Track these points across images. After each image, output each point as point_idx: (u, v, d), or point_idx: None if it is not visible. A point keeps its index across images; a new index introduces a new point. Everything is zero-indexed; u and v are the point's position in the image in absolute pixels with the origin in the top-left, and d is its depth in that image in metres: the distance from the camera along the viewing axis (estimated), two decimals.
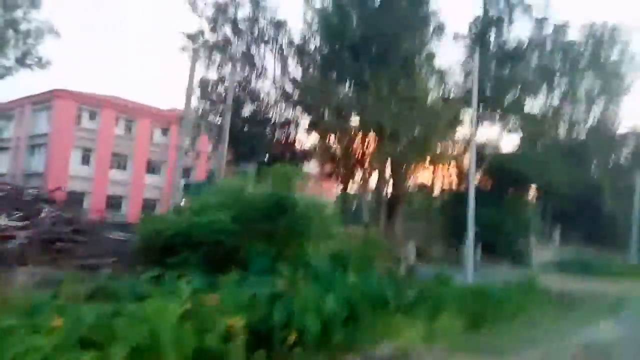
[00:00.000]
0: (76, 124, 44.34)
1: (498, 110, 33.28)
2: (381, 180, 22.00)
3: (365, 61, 20.38)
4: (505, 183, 33.07)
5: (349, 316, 8.45)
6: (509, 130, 35.31)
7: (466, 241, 19.19)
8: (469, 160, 32.48)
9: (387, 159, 21.87)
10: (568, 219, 42.38)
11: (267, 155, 24.01)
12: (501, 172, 33.10)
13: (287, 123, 24.31)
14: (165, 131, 48.25)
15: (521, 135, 37.23)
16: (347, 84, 20.99)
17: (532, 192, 35.62)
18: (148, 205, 45.57)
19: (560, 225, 40.71)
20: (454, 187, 34.29)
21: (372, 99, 19.57)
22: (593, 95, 42.92)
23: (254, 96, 24.20)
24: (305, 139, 25.85)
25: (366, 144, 23.37)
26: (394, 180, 23.13)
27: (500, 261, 29.86)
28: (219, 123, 23.61)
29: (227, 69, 23.22)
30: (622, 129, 47.23)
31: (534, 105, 39.86)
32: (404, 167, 22.59)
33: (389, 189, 23.25)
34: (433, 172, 35.09)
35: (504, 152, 33.42)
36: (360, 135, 23.07)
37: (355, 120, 22.72)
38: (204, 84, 22.46)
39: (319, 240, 13.86)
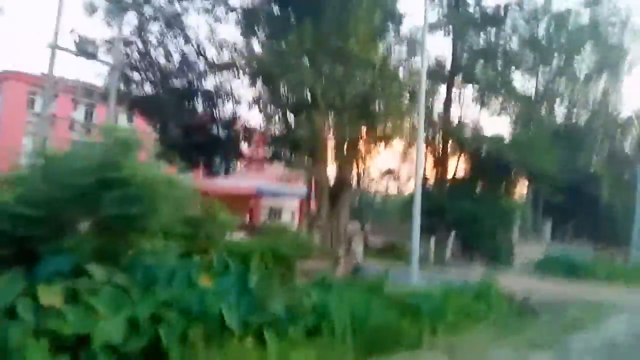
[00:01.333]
0: None
1: (476, 85, 29.08)
2: (320, 161, 17.94)
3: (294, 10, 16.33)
4: (487, 171, 28.83)
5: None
6: (493, 111, 31.05)
7: (412, 234, 15.16)
8: (446, 142, 28.71)
9: (325, 136, 17.77)
10: (563, 213, 38.19)
11: (201, 133, 20.01)
12: (483, 159, 28.96)
13: (216, 95, 20.18)
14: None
15: (506, 116, 32.97)
16: (276, 42, 16.82)
17: (522, 182, 31.19)
18: None
19: (552, 219, 36.50)
20: (430, 174, 30.17)
21: (299, 57, 15.53)
22: (592, 72, 38.45)
23: (181, 63, 20.05)
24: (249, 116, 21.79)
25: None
26: (339, 162, 19.10)
27: (479, 259, 25.86)
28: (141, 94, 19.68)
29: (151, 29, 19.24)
30: (624, 112, 42.75)
31: (523, 82, 35.81)
32: (349, 145, 18.49)
33: (334, 174, 19.11)
34: (403, 157, 31.10)
35: (485, 135, 29.12)
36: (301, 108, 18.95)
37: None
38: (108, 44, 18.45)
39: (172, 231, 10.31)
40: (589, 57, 37.95)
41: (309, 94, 16.98)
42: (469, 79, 28.69)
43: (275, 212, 58.78)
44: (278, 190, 46.71)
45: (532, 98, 34.33)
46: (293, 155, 19.23)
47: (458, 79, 28.73)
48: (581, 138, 38.34)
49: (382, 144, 19.04)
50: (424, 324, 9.83)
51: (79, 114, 43.47)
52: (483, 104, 31.62)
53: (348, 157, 19.05)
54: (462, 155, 28.97)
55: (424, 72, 15.13)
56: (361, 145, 18.97)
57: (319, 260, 18.72)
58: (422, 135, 15.17)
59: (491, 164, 28.39)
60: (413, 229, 15.14)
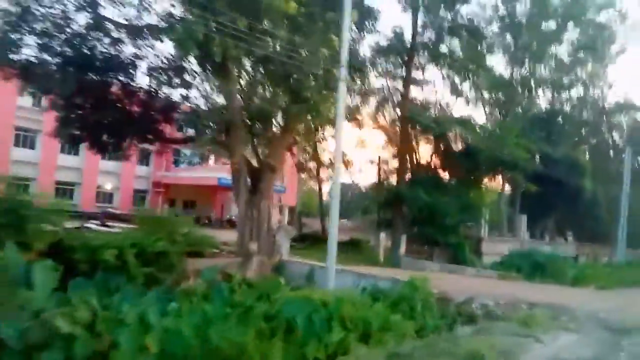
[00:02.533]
0: None
1: (444, 65, 26.32)
2: (234, 139, 15.19)
3: None
4: (453, 160, 26.08)
5: None
6: (464, 95, 28.36)
7: (330, 231, 12.49)
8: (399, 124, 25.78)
9: (236, 107, 14.98)
10: (544, 207, 35.52)
11: (111, 110, 17.10)
12: (449, 146, 26.21)
13: (129, 65, 17.22)
14: None
15: (479, 101, 30.23)
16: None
17: (494, 173, 28.33)
18: None
19: (530, 214, 33.80)
20: (391, 162, 27.46)
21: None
22: (576, 56, 35.70)
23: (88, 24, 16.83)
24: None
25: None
26: (260, 142, 16.42)
27: (440, 256, 23.22)
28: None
29: None
30: (611, 99, 40.07)
31: (499, 65, 33.08)
32: (268, 121, 15.76)
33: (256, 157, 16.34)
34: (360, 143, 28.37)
35: (450, 117, 26.32)
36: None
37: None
38: None
39: None
40: (572, 40, 35.29)
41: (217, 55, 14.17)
42: (435, 57, 25.90)
43: None
44: None
45: (508, 81, 31.63)
46: (209, 132, 16.49)
47: (422, 57, 25.94)
48: (562, 126, 35.72)
49: (314, 121, 16.23)
50: (294, 347, 7.29)
51: None
52: (454, 89, 28.98)
53: (272, 137, 16.32)
54: (426, 141, 26.19)
55: (346, 27, 12.38)
56: (289, 123, 16.11)
57: (229, 257, 16.13)
58: (342, 109, 12.43)
59: (458, 151, 25.72)
60: (331, 222, 12.47)
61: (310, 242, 30.67)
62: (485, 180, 27.13)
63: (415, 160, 26.41)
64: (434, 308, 11.38)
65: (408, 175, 25.86)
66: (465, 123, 25.38)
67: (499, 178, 29.70)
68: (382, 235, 22.11)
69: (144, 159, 45.88)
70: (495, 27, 31.35)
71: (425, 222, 23.85)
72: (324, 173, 30.54)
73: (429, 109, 25.52)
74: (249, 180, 16.11)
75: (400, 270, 19.81)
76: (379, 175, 27.30)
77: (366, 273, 13.21)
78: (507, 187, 35.03)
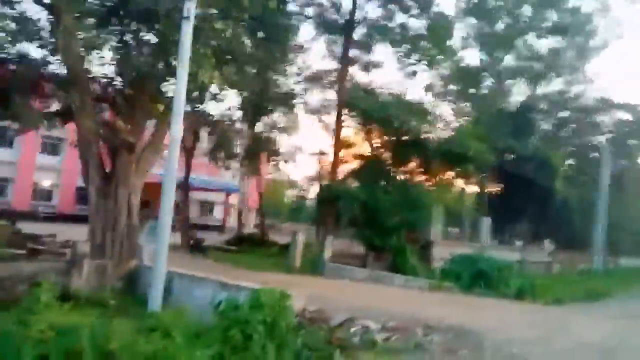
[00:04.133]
0: None
1: (395, 44, 23.03)
2: (77, 107, 11.79)
3: None
4: (402, 153, 22.72)
5: None
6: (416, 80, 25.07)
7: (160, 228, 9.17)
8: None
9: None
10: (514, 210, 32.37)
11: None
12: (396, 137, 22.85)
13: None
14: None
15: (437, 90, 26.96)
16: None
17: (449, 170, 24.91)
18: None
19: (497, 217, 30.55)
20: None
21: None
22: (552, 46, 32.58)
23: None
24: None
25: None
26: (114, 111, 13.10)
27: (380, 262, 19.91)
28: None
29: None
30: (591, 97, 36.86)
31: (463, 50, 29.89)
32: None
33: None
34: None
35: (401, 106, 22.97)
36: None
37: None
38: None
39: None
40: (549, 27, 32.20)
41: None
42: (381, 35, 22.63)
43: (207, 207, 52.69)
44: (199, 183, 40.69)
45: (474, 69, 28.48)
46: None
47: (367, 35, 22.65)
48: (536, 122, 32.56)
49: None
50: None
51: None
52: (409, 72, 25.68)
53: (126, 104, 12.89)
54: (370, 131, 22.80)
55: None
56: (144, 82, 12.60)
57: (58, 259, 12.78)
58: (186, 55, 9.13)
59: (406, 142, 22.39)
60: (161, 213, 9.14)
61: (249, 244, 27.40)
62: (441, 176, 23.76)
63: (356, 153, 23.05)
64: (288, 335, 8.05)
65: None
66: (414, 110, 22.08)
67: (461, 176, 26.26)
68: (300, 236, 18.73)
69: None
70: (459, 9, 28.13)
71: (364, 223, 20.55)
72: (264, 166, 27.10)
73: (375, 94, 22.05)
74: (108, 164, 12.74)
75: (320, 278, 16.57)
76: (319, 170, 23.97)
77: (232, 283, 9.88)
78: (475, 188, 31.78)
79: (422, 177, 23.13)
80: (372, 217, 20.35)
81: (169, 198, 9.20)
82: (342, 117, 22.35)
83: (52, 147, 38.66)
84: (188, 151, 23.74)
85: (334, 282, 15.33)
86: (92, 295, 10.39)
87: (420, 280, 15.65)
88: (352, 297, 11.81)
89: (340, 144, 22.54)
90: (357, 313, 9.52)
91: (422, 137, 22.24)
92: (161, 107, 12.64)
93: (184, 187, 24.64)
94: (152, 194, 41.14)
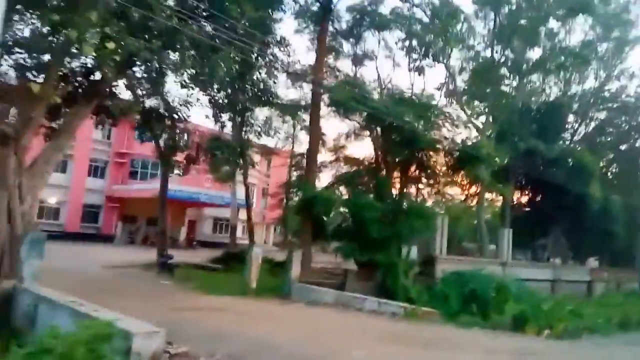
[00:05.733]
0: None
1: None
2: None
3: None
4: (398, 154, 19.61)
5: None
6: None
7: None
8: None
9: None
10: (546, 222, 28.37)
11: None
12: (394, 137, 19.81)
13: None
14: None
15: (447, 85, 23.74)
16: None
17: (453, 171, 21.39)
18: None
19: (525, 230, 26.66)
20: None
21: None
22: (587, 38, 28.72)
23: None
24: None
25: None
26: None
27: (356, 281, 16.81)
28: None
29: None
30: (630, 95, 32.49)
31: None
32: None
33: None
34: None
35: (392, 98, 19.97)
36: None
37: None
38: None
39: None
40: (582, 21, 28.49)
41: None
42: (372, 22, 19.78)
43: (220, 224, 50.42)
44: (197, 196, 38.60)
45: (489, 61, 25.08)
46: None
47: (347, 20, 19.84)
48: (563, 121, 28.62)
49: None
50: None
51: None
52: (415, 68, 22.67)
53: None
54: (358, 129, 19.83)
55: None
56: None
57: None
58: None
59: (405, 143, 19.24)
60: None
61: (237, 261, 24.85)
62: (448, 181, 20.46)
63: (343, 155, 20.10)
64: None
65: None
66: (410, 104, 19.02)
67: (473, 181, 22.79)
68: (257, 251, 15.85)
69: (97, 170, 41.54)
70: None
71: (348, 235, 17.56)
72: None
73: (362, 87, 19.09)
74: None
75: (269, 303, 13.53)
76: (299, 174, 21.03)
77: (84, 312, 7.30)
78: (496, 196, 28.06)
79: (424, 183, 19.94)
80: (359, 228, 17.34)
81: None
82: (322, 115, 19.59)
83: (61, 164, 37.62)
84: (166, 160, 21.63)
85: (281, 308, 12.42)
86: None
87: (395, 306, 12.45)
88: (275, 331, 8.89)
89: (317, 144, 19.69)
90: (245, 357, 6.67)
91: (422, 136, 19.09)
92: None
93: (162, 199, 22.47)
94: (141, 209, 39.03)
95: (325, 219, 17.96)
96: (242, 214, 35.58)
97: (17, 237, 10.30)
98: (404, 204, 18.54)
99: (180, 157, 22.39)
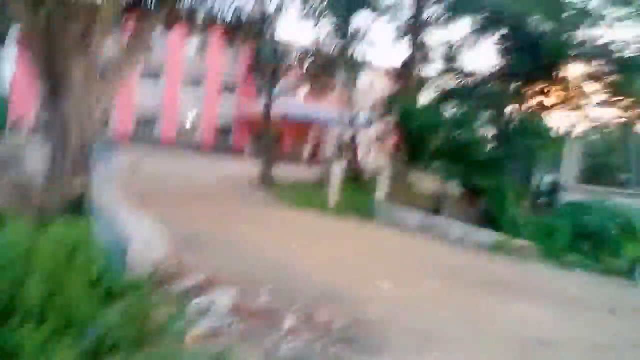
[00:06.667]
0: None
1: None
2: None
3: None
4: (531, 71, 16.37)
5: None
6: None
7: None
8: None
9: None
10: None
11: None
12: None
13: None
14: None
15: None
16: None
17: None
18: None
19: None
20: None
21: None
22: None
23: None
24: None
25: None
26: None
27: (454, 207, 14.94)
28: None
29: None
30: None
31: None
32: None
33: None
34: None
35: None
36: None
37: None
38: None
39: None
40: None
41: None
42: None
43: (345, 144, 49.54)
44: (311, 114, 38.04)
45: None
46: None
47: None
48: None
49: None
50: None
51: None
52: None
53: None
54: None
55: None
56: None
57: None
58: None
59: (534, 48, 15.93)
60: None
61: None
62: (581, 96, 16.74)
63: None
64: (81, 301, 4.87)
65: None
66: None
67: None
68: (336, 168, 14.53)
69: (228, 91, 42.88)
70: None
71: (451, 156, 15.52)
72: None
73: None
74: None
75: (358, 221, 12.49)
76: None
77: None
78: None
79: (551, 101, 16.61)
80: (464, 148, 15.19)
81: None
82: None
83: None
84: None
85: (350, 226, 11.28)
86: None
87: (485, 235, 10.59)
88: (310, 253, 7.75)
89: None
90: (244, 276, 5.81)
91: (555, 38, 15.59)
92: None
93: (266, 116, 22.15)
94: (287, 131, 39.60)
95: (425, 137, 16.00)
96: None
97: (86, 146, 10.42)
98: (522, 122, 15.73)
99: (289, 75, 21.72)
